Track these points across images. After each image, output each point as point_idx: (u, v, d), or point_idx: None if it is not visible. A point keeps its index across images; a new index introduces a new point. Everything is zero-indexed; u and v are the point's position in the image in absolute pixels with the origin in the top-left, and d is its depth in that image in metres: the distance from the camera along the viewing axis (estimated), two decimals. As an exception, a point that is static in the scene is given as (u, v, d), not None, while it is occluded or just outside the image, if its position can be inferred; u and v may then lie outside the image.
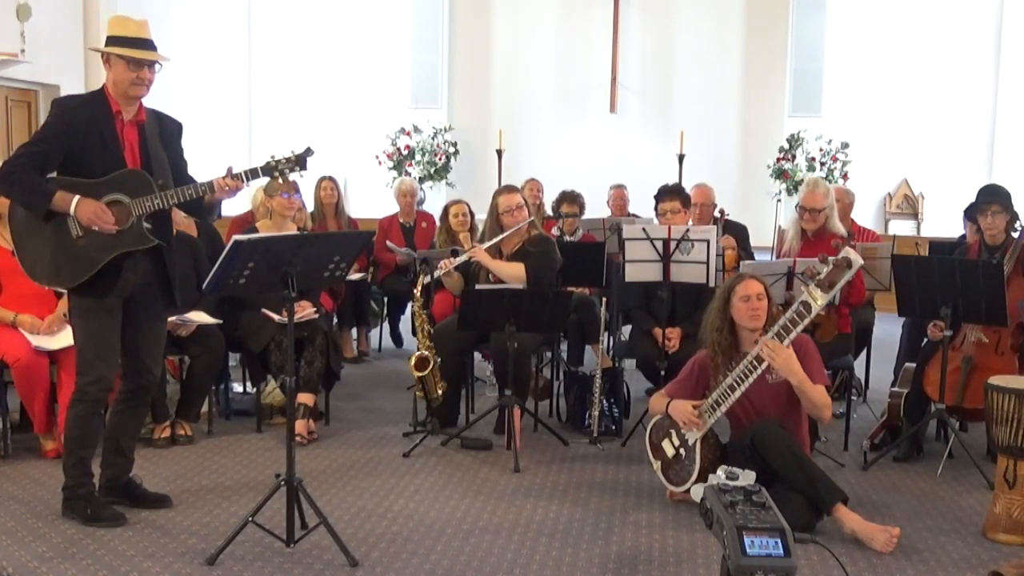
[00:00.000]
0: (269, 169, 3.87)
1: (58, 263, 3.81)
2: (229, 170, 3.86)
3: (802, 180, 11.08)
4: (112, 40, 3.83)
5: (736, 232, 6.54)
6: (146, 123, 3.92)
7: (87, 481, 3.98)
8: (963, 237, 6.48)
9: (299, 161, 3.86)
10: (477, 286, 5.38)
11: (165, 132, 4.00)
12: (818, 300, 3.99)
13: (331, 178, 7.63)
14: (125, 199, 3.79)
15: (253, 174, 3.87)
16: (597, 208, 8.37)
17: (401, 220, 7.98)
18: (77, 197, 3.71)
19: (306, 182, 6.85)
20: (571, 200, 7.23)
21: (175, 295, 4.03)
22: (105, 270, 3.79)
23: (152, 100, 4.00)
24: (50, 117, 3.88)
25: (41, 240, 3.81)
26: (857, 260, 4.03)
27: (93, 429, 3.95)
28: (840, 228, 5.64)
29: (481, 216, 6.23)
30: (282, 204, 5.53)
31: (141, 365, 4.03)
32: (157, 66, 3.86)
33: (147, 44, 3.83)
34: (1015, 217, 5.10)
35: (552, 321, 5.28)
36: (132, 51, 3.79)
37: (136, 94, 3.85)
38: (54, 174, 3.82)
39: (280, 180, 3.92)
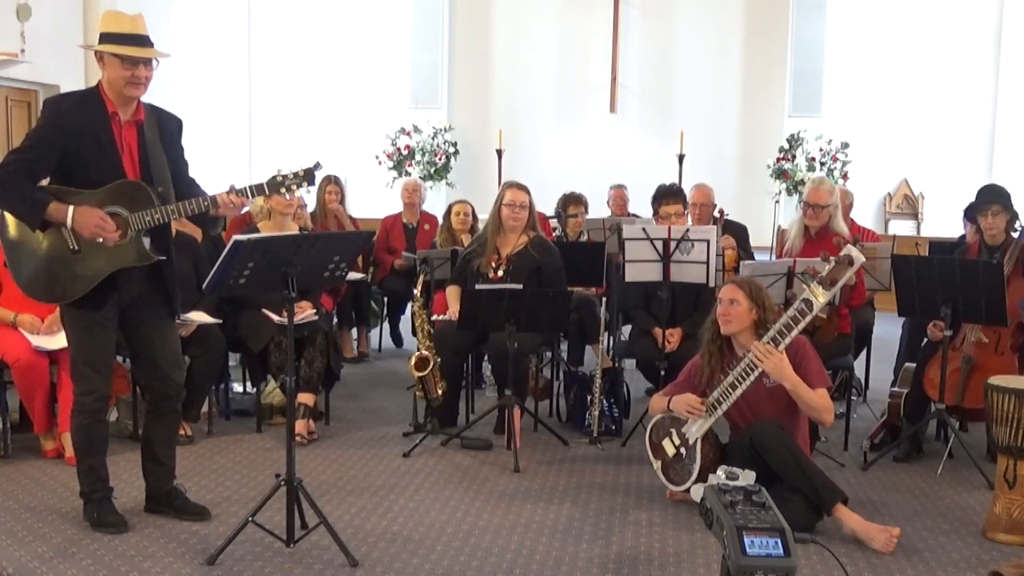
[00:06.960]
0: (275, 185, 3.70)
1: (52, 278, 3.66)
2: (232, 187, 3.68)
3: (802, 180, 11.12)
4: (105, 37, 3.61)
5: (736, 232, 6.53)
6: (145, 123, 3.73)
7: (101, 487, 3.93)
8: (963, 237, 6.48)
9: (307, 176, 3.70)
10: (477, 286, 5.37)
11: (165, 131, 3.81)
12: (820, 298, 3.98)
13: (336, 181, 7.55)
14: (124, 212, 3.61)
15: (259, 190, 3.70)
16: (597, 208, 8.37)
17: (405, 220, 7.96)
18: (72, 207, 3.54)
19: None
20: (576, 202, 7.21)
21: (175, 305, 3.93)
22: (99, 284, 3.66)
23: (152, 99, 3.86)
24: (41, 119, 3.68)
25: (34, 253, 3.65)
26: (859, 257, 4.03)
27: (98, 437, 3.89)
28: (844, 229, 5.61)
29: (483, 216, 6.23)
30: (280, 202, 5.44)
31: (158, 372, 3.93)
32: (154, 63, 3.67)
33: (142, 40, 3.62)
34: (1015, 217, 5.11)
35: (552, 321, 5.28)
36: (126, 48, 3.58)
37: (133, 94, 3.65)
38: (47, 181, 3.63)
39: (287, 196, 3.77)
